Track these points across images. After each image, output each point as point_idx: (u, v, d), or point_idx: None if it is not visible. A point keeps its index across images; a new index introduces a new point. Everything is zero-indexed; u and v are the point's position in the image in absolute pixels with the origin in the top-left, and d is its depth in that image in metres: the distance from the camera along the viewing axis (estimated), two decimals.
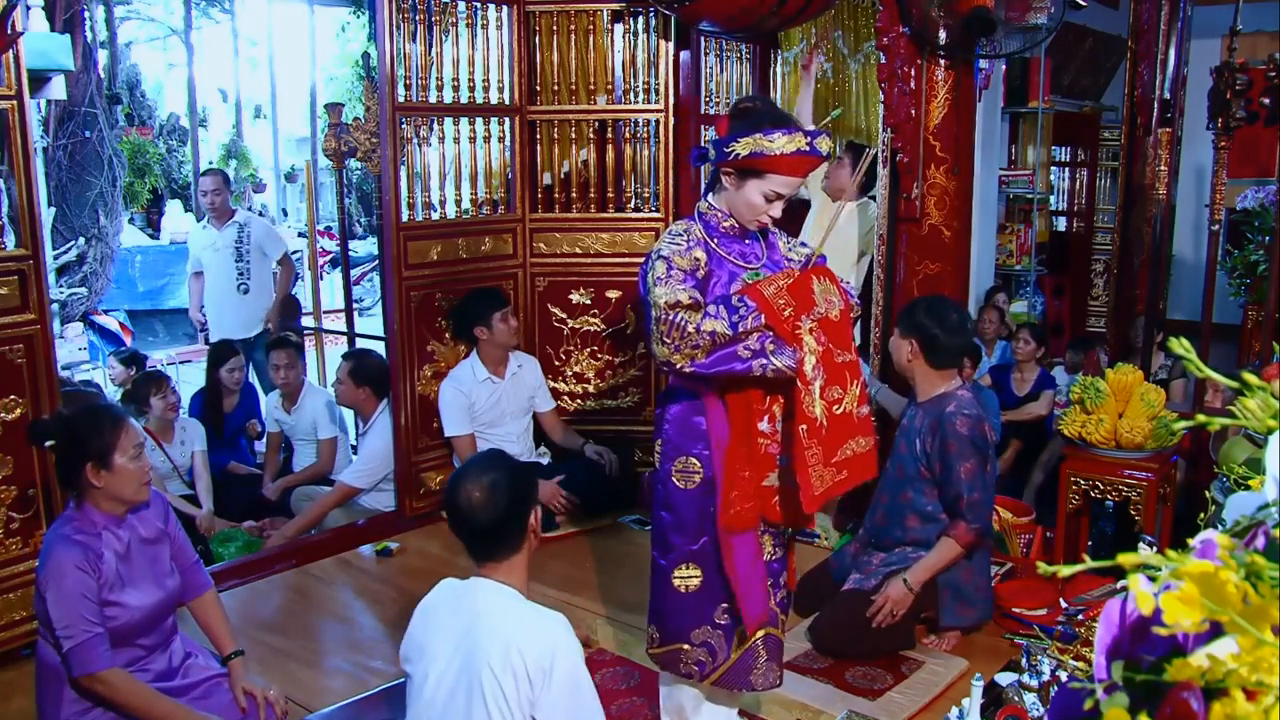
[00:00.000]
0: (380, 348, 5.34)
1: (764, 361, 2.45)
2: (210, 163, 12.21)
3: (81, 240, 8.04)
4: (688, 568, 2.66)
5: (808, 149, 2.47)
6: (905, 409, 3.67)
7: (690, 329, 2.42)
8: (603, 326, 5.02)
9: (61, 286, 7.81)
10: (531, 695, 2.06)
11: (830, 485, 2.56)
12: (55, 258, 7.67)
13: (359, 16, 11.40)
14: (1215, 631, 0.63)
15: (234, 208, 6.31)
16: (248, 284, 6.10)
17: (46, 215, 7.57)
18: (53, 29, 6.73)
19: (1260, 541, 0.70)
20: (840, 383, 2.55)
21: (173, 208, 11.40)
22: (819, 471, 2.51)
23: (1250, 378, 0.71)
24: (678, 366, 2.48)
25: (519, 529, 2.20)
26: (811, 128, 2.58)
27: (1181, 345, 0.76)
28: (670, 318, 2.44)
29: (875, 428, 2.72)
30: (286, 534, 4.54)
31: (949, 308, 3.53)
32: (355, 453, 5.27)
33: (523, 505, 2.19)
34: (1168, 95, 5.16)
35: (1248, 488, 0.82)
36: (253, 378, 5.87)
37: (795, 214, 5.11)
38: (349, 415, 5.42)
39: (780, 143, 2.44)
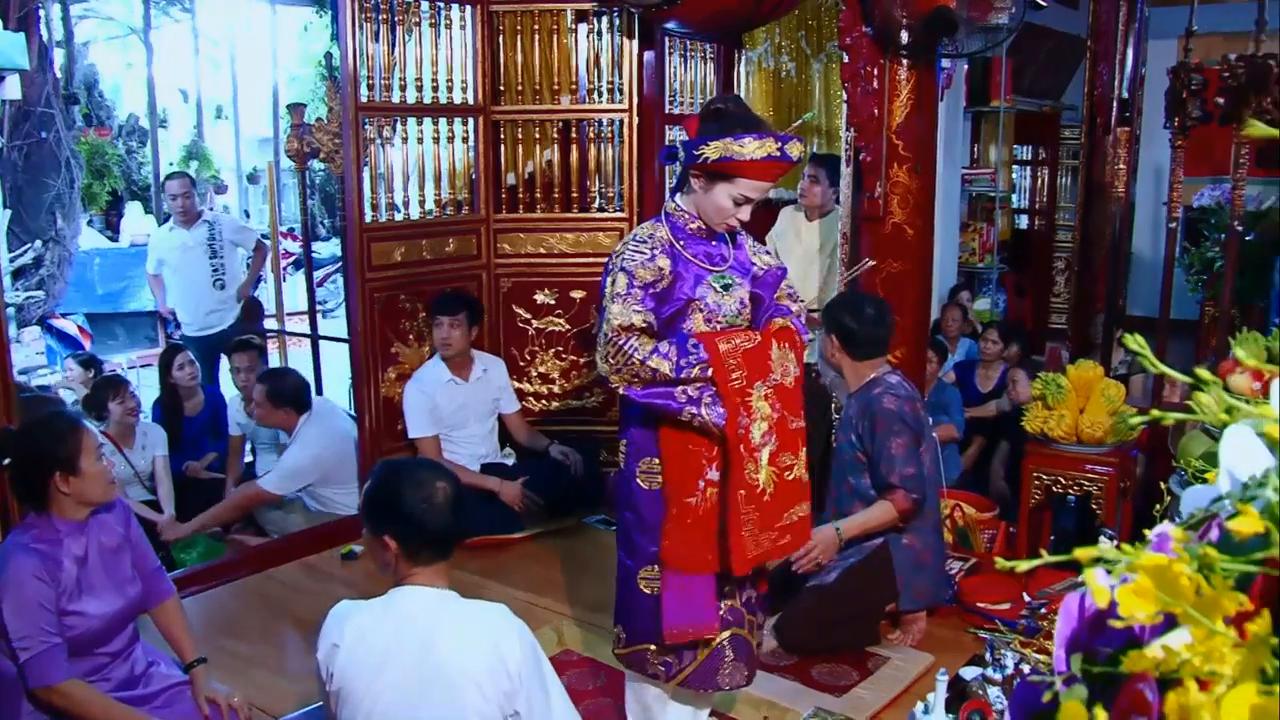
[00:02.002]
0: (344, 350, 5.29)
1: (695, 411, 2.48)
2: (171, 164, 12.07)
3: (38, 243, 7.91)
4: (653, 569, 2.66)
5: (778, 154, 2.48)
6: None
7: (636, 359, 2.45)
8: (567, 327, 5.01)
9: (18, 290, 7.69)
10: (508, 685, 2.08)
11: (769, 549, 2.60)
12: (11, 260, 7.56)
13: (321, 16, 11.29)
14: (1170, 623, 0.64)
15: (200, 209, 6.34)
16: (223, 279, 6.20)
17: (2, 218, 7.46)
18: (6, 27, 6.61)
19: (1214, 534, 0.70)
20: (793, 449, 2.59)
21: (132, 209, 11.25)
22: (754, 536, 2.54)
23: (1202, 373, 0.72)
24: (613, 385, 2.52)
25: (462, 538, 2.28)
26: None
27: (1136, 341, 0.76)
28: (619, 341, 2.46)
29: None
30: (192, 527, 4.52)
31: (864, 301, 3.62)
32: None
33: (468, 515, 2.25)
34: (1126, 95, 5.22)
35: (1205, 481, 0.83)
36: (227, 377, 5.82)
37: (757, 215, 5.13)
38: None
39: (751, 148, 2.45)
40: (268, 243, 6.77)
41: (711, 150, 2.47)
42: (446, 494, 2.16)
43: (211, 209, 11.27)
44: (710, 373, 2.46)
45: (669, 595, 2.61)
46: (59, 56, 9.58)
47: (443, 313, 4.61)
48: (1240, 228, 4.29)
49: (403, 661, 2.10)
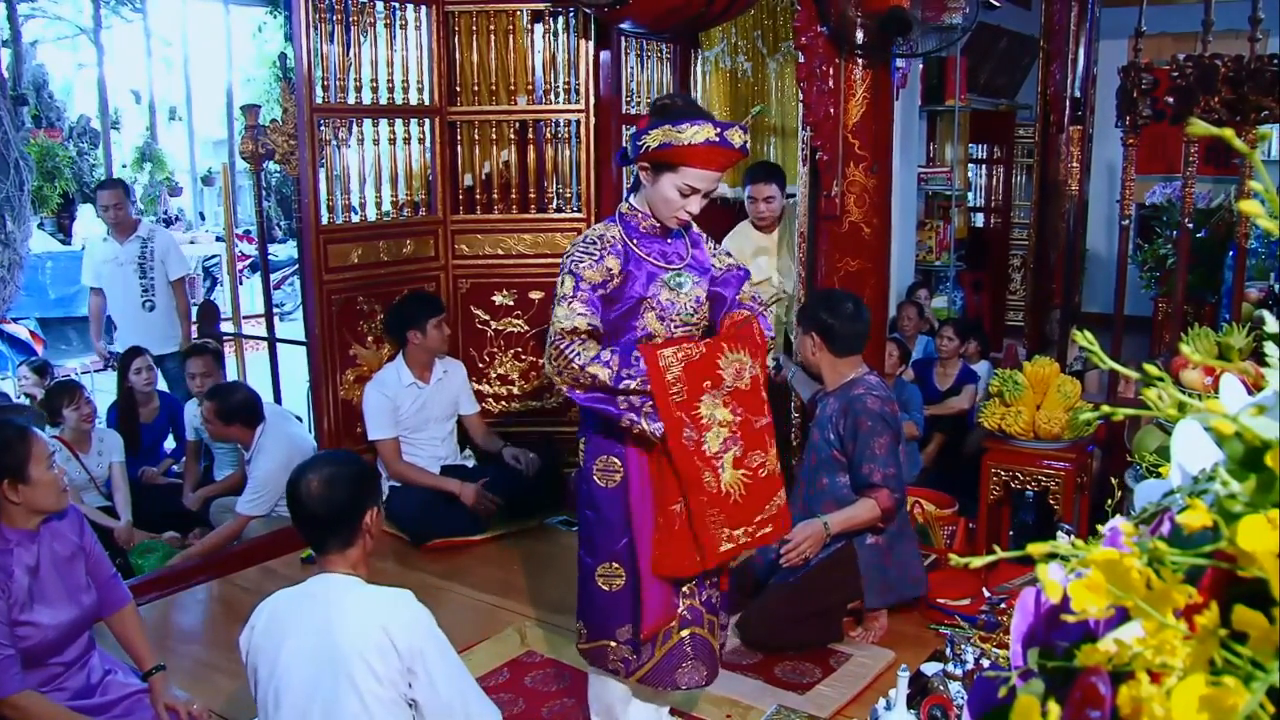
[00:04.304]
0: (302, 353, 5.25)
1: (635, 419, 2.49)
2: (124, 166, 11.91)
3: None
4: (611, 566, 2.67)
5: (717, 139, 2.47)
6: (816, 397, 3.74)
7: (576, 365, 2.46)
8: (526, 328, 5.00)
9: None
10: (401, 664, 2.13)
11: (751, 541, 2.63)
12: None
13: (276, 16, 11.20)
14: (1122, 617, 0.65)
15: (137, 218, 6.05)
16: (153, 300, 5.84)
17: None
18: None
19: (1165, 528, 0.71)
20: (761, 447, 2.59)
21: (85, 212, 11.06)
22: (726, 534, 2.56)
23: (1151, 369, 0.73)
24: (558, 385, 2.54)
25: (353, 523, 2.25)
26: None
27: (1085, 337, 0.77)
28: (561, 344, 2.48)
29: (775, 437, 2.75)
30: (188, 557, 4.43)
31: (842, 298, 3.65)
32: None
33: (359, 502, 2.25)
34: (1078, 94, 5.28)
35: (1159, 475, 0.84)
36: (162, 386, 5.71)
37: (717, 218, 5.14)
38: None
39: (689, 133, 2.45)
40: (212, 262, 6.56)
41: (652, 138, 2.49)
42: (312, 487, 2.21)
43: (166, 212, 11.16)
44: (649, 386, 2.46)
45: (649, 596, 2.62)
46: (5, 56, 9.44)
47: (436, 313, 4.62)
48: (1191, 225, 4.35)
49: (302, 641, 2.17)
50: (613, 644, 2.70)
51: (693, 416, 2.48)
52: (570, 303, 2.50)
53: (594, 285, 2.53)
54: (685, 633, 2.70)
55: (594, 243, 2.59)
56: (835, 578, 3.51)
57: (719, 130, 2.48)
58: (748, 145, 2.59)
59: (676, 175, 2.52)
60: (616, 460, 2.63)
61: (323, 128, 4.46)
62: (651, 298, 2.58)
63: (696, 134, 2.45)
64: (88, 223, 10.84)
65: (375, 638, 2.11)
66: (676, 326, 2.62)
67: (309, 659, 2.14)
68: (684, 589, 2.69)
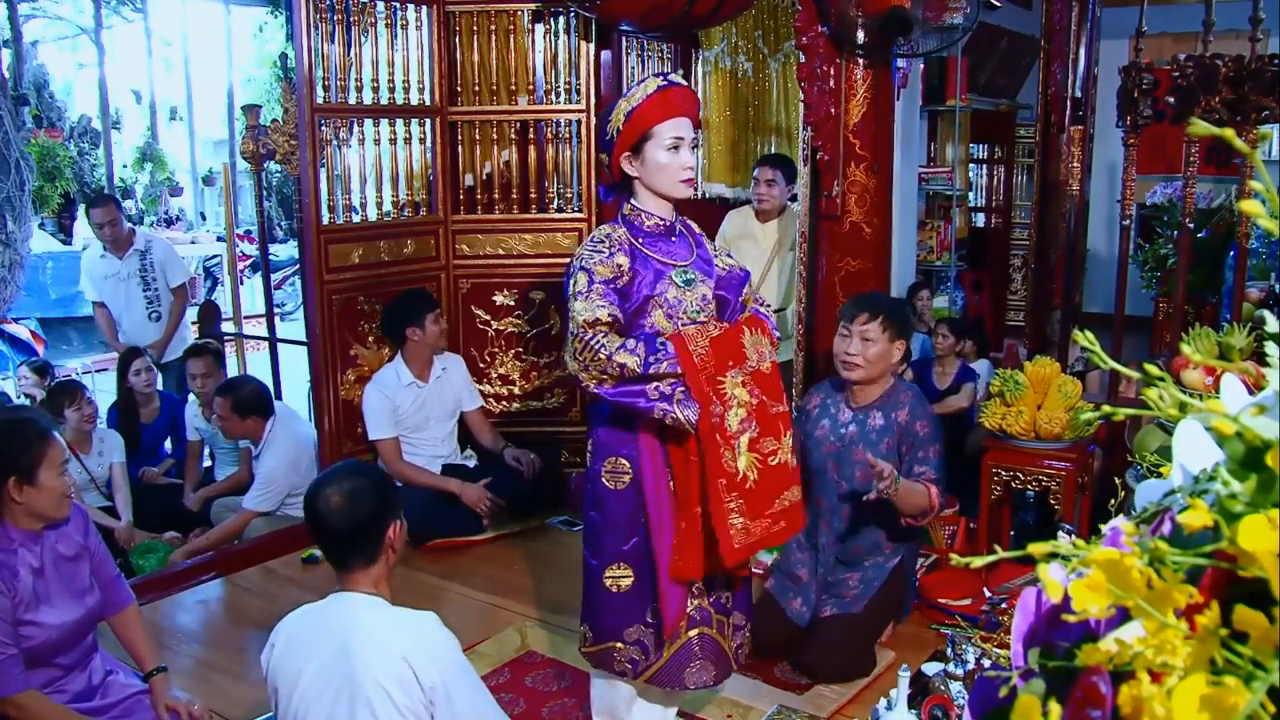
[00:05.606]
0: (302, 353, 5.25)
1: (667, 408, 2.45)
2: (124, 166, 11.91)
3: None
4: (619, 567, 2.66)
5: (665, 83, 2.58)
6: (833, 417, 3.54)
7: (602, 355, 2.44)
8: (527, 328, 5.00)
9: None
10: (424, 697, 2.07)
11: (762, 537, 2.56)
12: None
13: (276, 16, 11.21)
14: (1123, 617, 0.65)
15: (131, 229, 6.04)
16: (159, 310, 5.89)
17: None
18: None
19: (1166, 527, 0.71)
20: (775, 434, 2.57)
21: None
22: (742, 524, 2.52)
23: (1151, 368, 0.73)
24: (584, 384, 2.50)
25: (375, 539, 2.17)
26: None
27: (1086, 337, 0.77)
28: (585, 336, 2.46)
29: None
30: (191, 549, 4.44)
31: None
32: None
33: (381, 516, 2.17)
34: (1079, 94, 5.28)
35: (1160, 475, 0.84)
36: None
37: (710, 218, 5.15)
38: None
39: (640, 91, 2.57)
40: (213, 262, 6.53)
41: (615, 119, 2.57)
42: (333, 501, 2.13)
43: (167, 212, 11.16)
44: (679, 368, 2.45)
45: (668, 596, 2.61)
46: (6, 56, 9.44)
47: (432, 308, 4.63)
48: (1192, 225, 4.35)
49: (321, 665, 2.11)
50: (619, 645, 2.69)
51: (718, 392, 2.47)
52: (587, 296, 2.50)
53: (606, 280, 2.53)
54: (694, 633, 2.69)
55: (602, 241, 2.61)
56: (890, 596, 3.45)
57: (662, 75, 2.61)
58: (689, 82, 2.69)
59: (655, 140, 2.57)
60: (625, 462, 2.62)
61: (323, 127, 4.46)
62: (659, 295, 2.59)
63: (647, 86, 2.56)
64: (88, 224, 10.83)
65: (396, 669, 2.05)
66: (683, 324, 2.62)
67: (329, 685, 2.09)
68: (693, 589, 2.68)
